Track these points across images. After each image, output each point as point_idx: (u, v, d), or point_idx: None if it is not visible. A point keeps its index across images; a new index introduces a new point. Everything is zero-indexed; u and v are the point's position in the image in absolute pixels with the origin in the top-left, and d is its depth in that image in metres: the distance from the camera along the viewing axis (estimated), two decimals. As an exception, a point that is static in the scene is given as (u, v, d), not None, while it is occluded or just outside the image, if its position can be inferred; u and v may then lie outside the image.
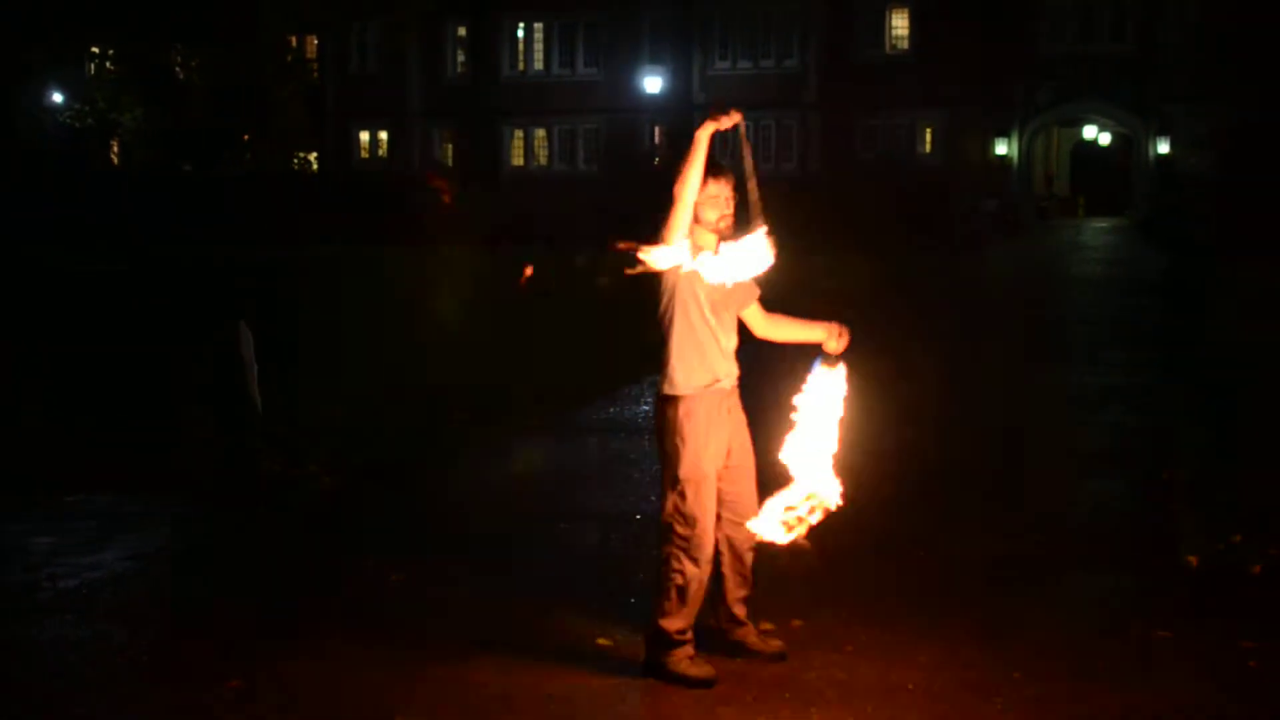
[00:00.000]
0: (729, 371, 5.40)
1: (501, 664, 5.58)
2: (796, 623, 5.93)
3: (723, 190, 5.30)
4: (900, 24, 43.02)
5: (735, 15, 44.32)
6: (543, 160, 47.84)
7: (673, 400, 5.32)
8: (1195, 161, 38.13)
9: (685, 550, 5.30)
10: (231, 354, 9.38)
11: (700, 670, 5.32)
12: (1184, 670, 5.48)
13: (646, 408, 11.55)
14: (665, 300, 5.32)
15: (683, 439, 5.28)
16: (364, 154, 49.96)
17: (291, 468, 9.18)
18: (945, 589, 6.57)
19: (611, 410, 11.52)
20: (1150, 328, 17.80)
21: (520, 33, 47.87)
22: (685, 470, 5.28)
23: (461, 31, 48.41)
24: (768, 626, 5.72)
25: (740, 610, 5.57)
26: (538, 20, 47.28)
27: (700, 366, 5.30)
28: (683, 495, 5.28)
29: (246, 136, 40.86)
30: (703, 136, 5.13)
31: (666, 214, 5.21)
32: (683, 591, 5.31)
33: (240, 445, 9.34)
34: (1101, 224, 40.99)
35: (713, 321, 5.31)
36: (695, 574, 5.31)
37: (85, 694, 5.37)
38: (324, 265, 26.42)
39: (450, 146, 48.93)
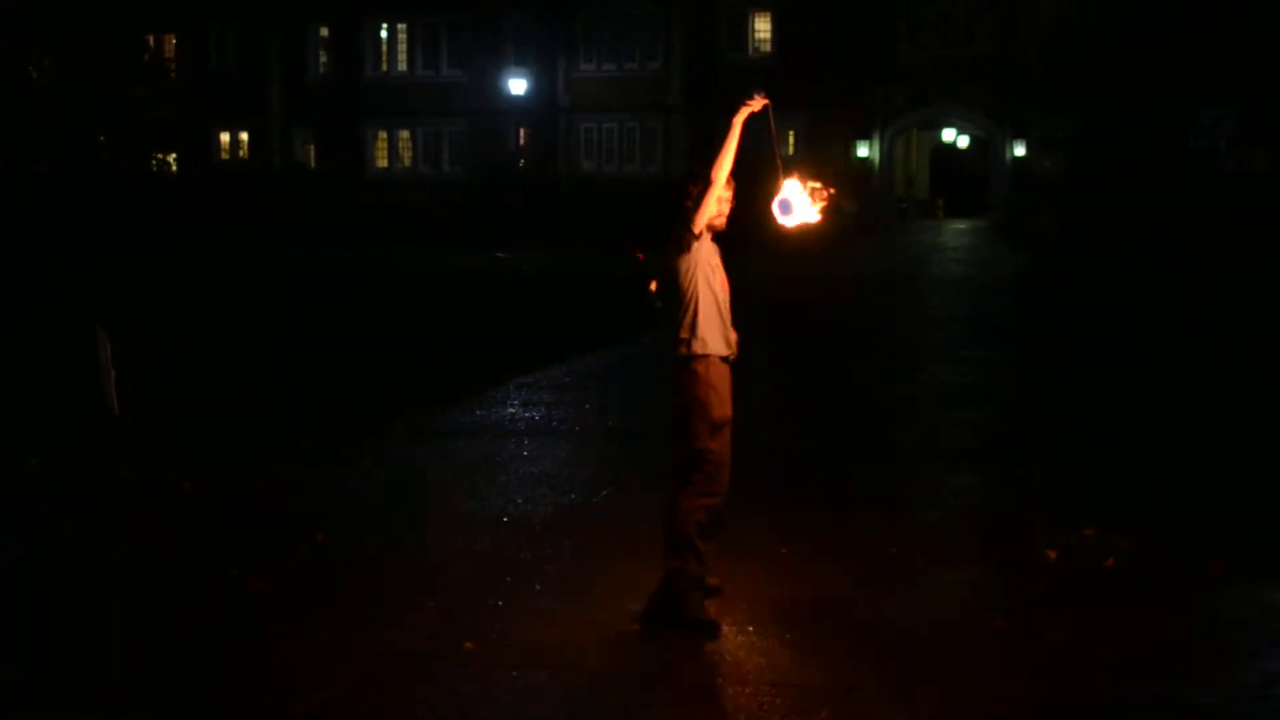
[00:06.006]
0: (733, 341, 6.01)
1: (366, 670, 5.55)
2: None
3: (728, 191, 5.97)
4: (763, 27, 43.36)
5: (599, 17, 44.39)
6: (407, 162, 47.47)
7: (702, 359, 5.86)
8: (1050, 164, 39.00)
9: (706, 489, 5.88)
10: (88, 357, 9.19)
11: (708, 615, 5.94)
12: (1038, 660, 5.62)
13: (512, 410, 11.54)
14: (688, 274, 5.88)
15: (713, 388, 5.86)
16: (224, 155, 49.20)
17: (149, 471, 9.01)
18: (807, 585, 6.64)
19: (478, 413, 11.48)
20: (1004, 326, 18.14)
21: (383, 34, 47.43)
22: (716, 415, 5.86)
23: (324, 32, 47.86)
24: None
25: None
26: (401, 21, 46.86)
27: (720, 331, 5.93)
28: (713, 437, 5.84)
29: (103, 137, 39.84)
30: (738, 121, 5.90)
31: (700, 195, 5.81)
32: (703, 530, 5.88)
33: (96, 449, 9.14)
34: (960, 225, 41.72)
35: (719, 291, 5.96)
36: (715, 504, 5.92)
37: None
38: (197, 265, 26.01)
39: (312, 148, 48.36)
